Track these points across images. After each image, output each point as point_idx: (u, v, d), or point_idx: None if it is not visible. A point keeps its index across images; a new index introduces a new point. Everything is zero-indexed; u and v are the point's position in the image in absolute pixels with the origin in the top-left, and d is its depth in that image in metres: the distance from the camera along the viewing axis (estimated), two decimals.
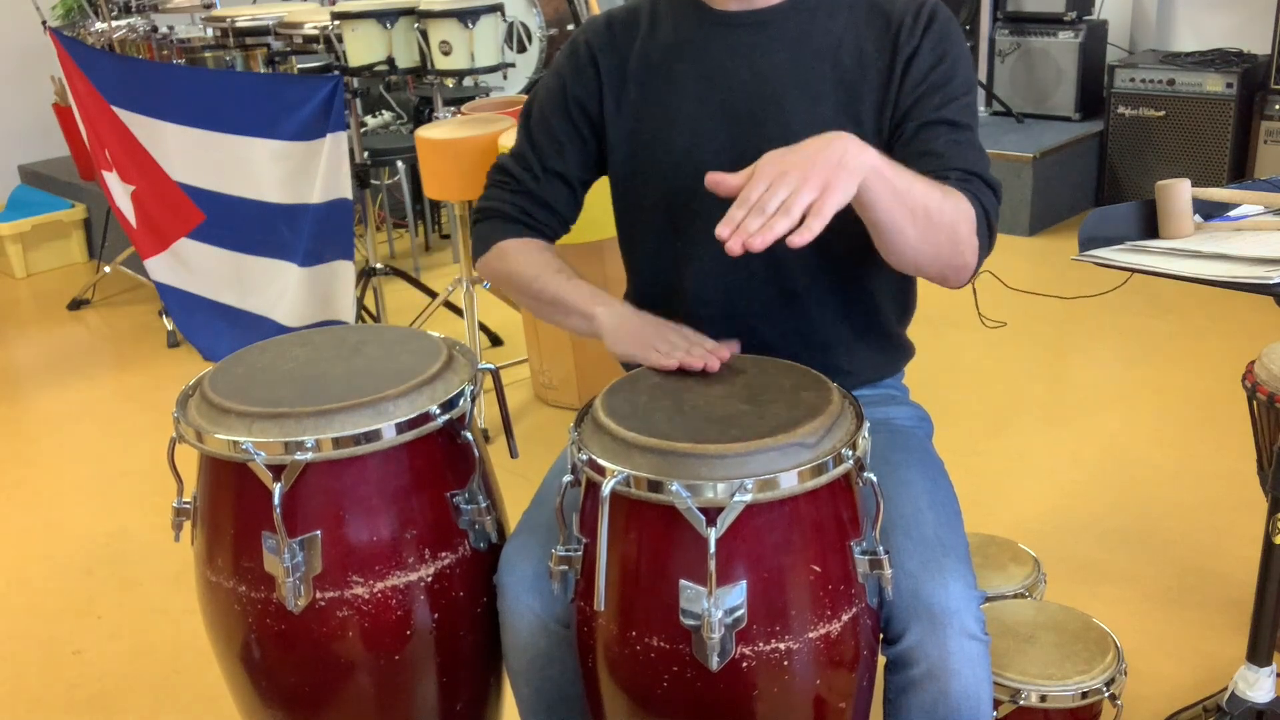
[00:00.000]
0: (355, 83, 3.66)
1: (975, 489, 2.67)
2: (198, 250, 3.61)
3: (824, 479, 1.20)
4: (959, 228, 1.31)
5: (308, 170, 3.19)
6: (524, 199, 1.56)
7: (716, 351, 1.39)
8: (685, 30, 1.51)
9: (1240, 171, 4.30)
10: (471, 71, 3.49)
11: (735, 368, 1.39)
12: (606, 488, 1.20)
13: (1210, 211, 1.62)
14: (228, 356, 1.49)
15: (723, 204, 1.48)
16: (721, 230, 1.17)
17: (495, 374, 1.54)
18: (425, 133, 3.17)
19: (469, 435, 1.41)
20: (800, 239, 1.14)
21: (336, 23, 3.52)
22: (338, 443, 1.31)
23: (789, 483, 1.18)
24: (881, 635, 1.33)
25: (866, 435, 1.26)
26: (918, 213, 1.26)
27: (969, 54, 1.49)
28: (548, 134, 1.56)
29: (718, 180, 1.24)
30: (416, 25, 3.48)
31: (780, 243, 1.48)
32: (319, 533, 1.33)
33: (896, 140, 1.43)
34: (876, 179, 1.21)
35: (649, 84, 1.51)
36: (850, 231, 1.48)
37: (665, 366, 1.38)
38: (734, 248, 1.15)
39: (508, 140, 2.97)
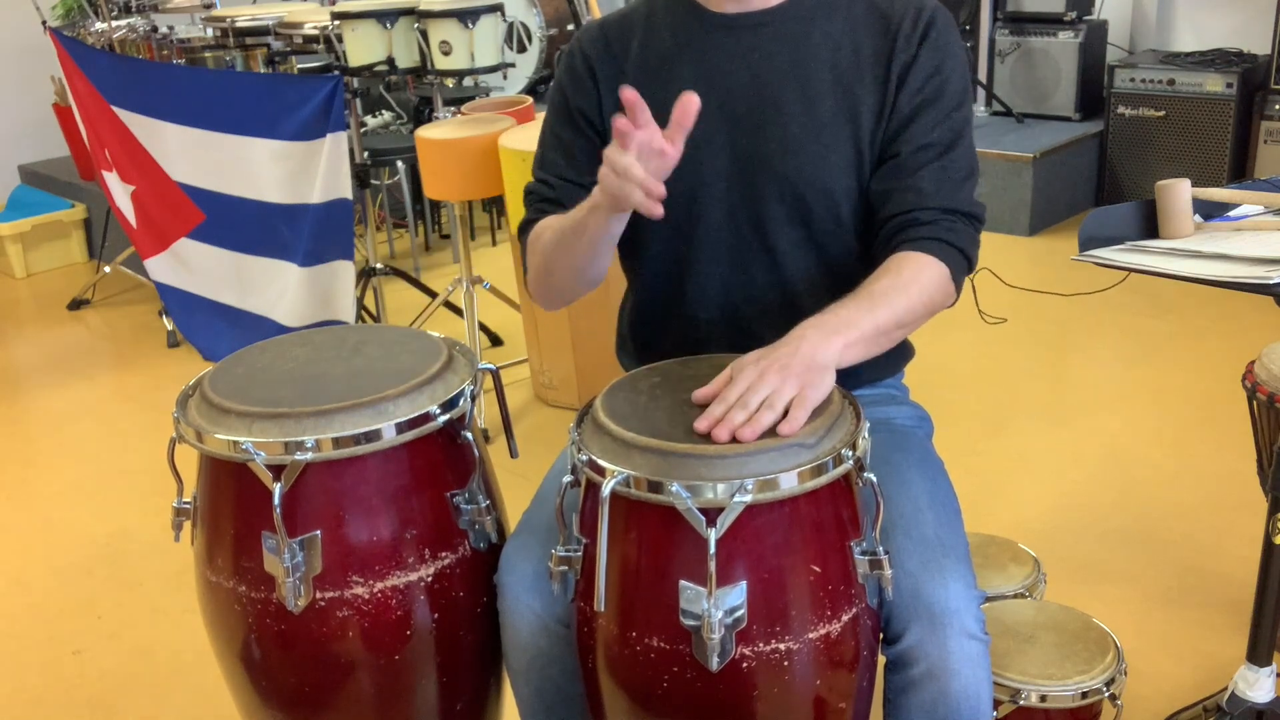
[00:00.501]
0: (355, 83, 3.66)
1: (975, 489, 2.67)
2: (198, 250, 3.61)
3: (824, 479, 1.20)
4: (932, 300, 1.38)
5: (308, 170, 3.20)
6: (551, 205, 1.54)
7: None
8: (683, 33, 1.51)
9: (1240, 171, 4.30)
10: (471, 71, 3.49)
11: None
12: (606, 488, 1.20)
13: (1210, 211, 1.62)
14: (228, 356, 1.49)
15: (724, 205, 1.49)
16: (701, 425, 1.22)
17: (495, 374, 1.54)
18: (425, 133, 3.17)
19: (469, 435, 1.41)
20: (789, 428, 1.20)
21: (336, 23, 3.52)
22: (338, 443, 1.31)
23: (789, 483, 1.18)
24: (881, 635, 1.33)
25: (866, 435, 1.26)
26: (893, 330, 1.35)
27: (965, 61, 1.49)
28: (559, 146, 1.56)
29: (701, 394, 1.28)
30: (416, 25, 3.48)
31: (780, 243, 1.49)
32: (319, 533, 1.33)
33: (890, 156, 1.44)
34: (849, 352, 1.29)
35: (647, 87, 1.50)
36: (848, 233, 1.49)
37: (650, 184, 1.26)
38: (721, 435, 1.19)
39: (508, 140, 2.97)
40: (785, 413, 1.22)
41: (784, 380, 1.23)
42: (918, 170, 1.42)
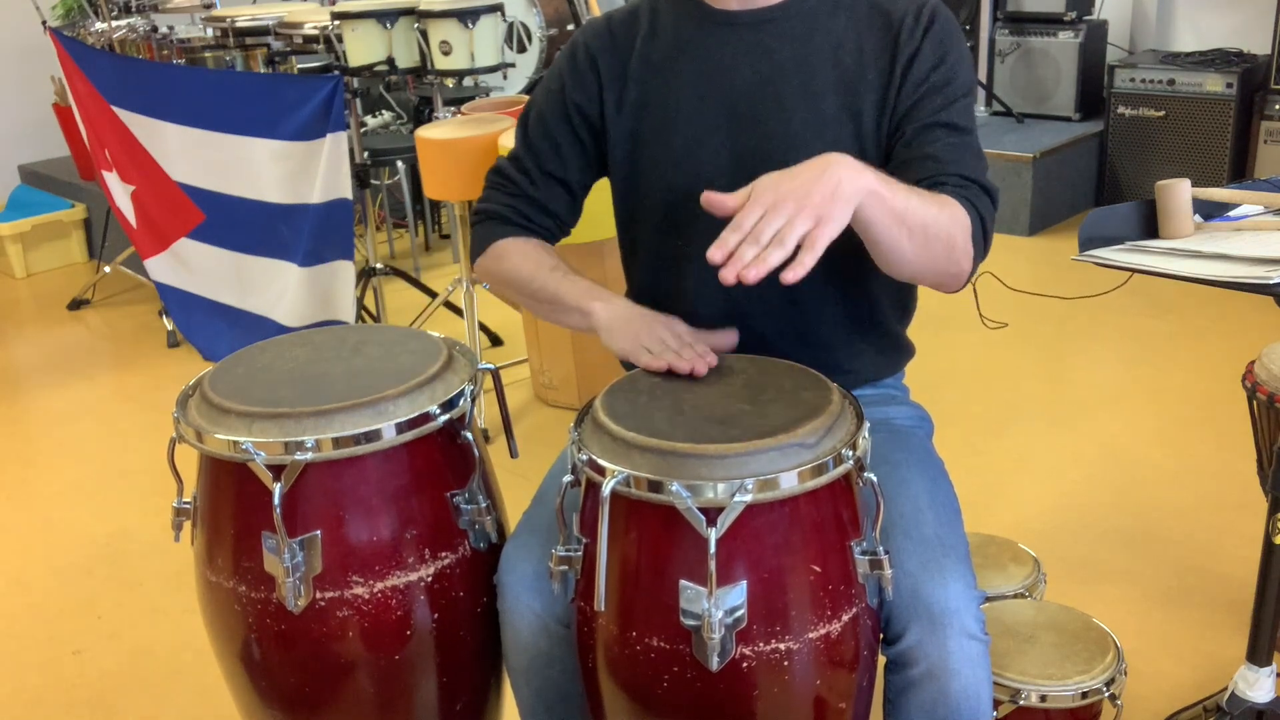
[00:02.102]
0: (355, 83, 3.66)
1: (975, 489, 2.67)
2: (198, 250, 3.61)
3: (824, 479, 1.20)
4: (955, 238, 1.31)
5: (308, 170, 3.20)
6: (521, 202, 1.56)
7: (705, 356, 1.38)
8: (686, 29, 1.51)
9: (1240, 171, 4.30)
10: (471, 71, 3.49)
11: (735, 368, 1.39)
12: (606, 488, 1.20)
13: (1210, 211, 1.62)
14: (228, 356, 1.49)
15: None
16: (714, 254, 1.17)
17: (495, 374, 1.54)
18: (425, 133, 3.17)
19: (469, 435, 1.41)
20: (793, 275, 1.15)
21: (336, 23, 3.52)
22: (338, 443, 1.31)
23: (789, 483, 1.18)
24: (881, 635, 1.33)
25: (867, 435, 1.26)
26: (915, 229, 1.27)
27: (969, 55, 1.49)
28: (546, 138, 1.56)
29: (713, 200, 1.24)
30: (416, 25, 3.48)
31: None
32: (319, 533, 1.33)
33: (897, 141, 1.43)
34: (873, 200, 1.22)
35: (650, 83, 1.51)
36: (849, 231, 1.48)
37: (653, 368, 1.38)
38: (728, 277, 1.16)
39: (508, 140, 2.97)
40: (796, 252, 1.16)
41: (800, 210, 1.16)
42: (932, 143, 1.40)
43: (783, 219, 1.17)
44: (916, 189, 1.30)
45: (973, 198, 1.36)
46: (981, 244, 1.37)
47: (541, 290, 1.51)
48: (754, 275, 1.15)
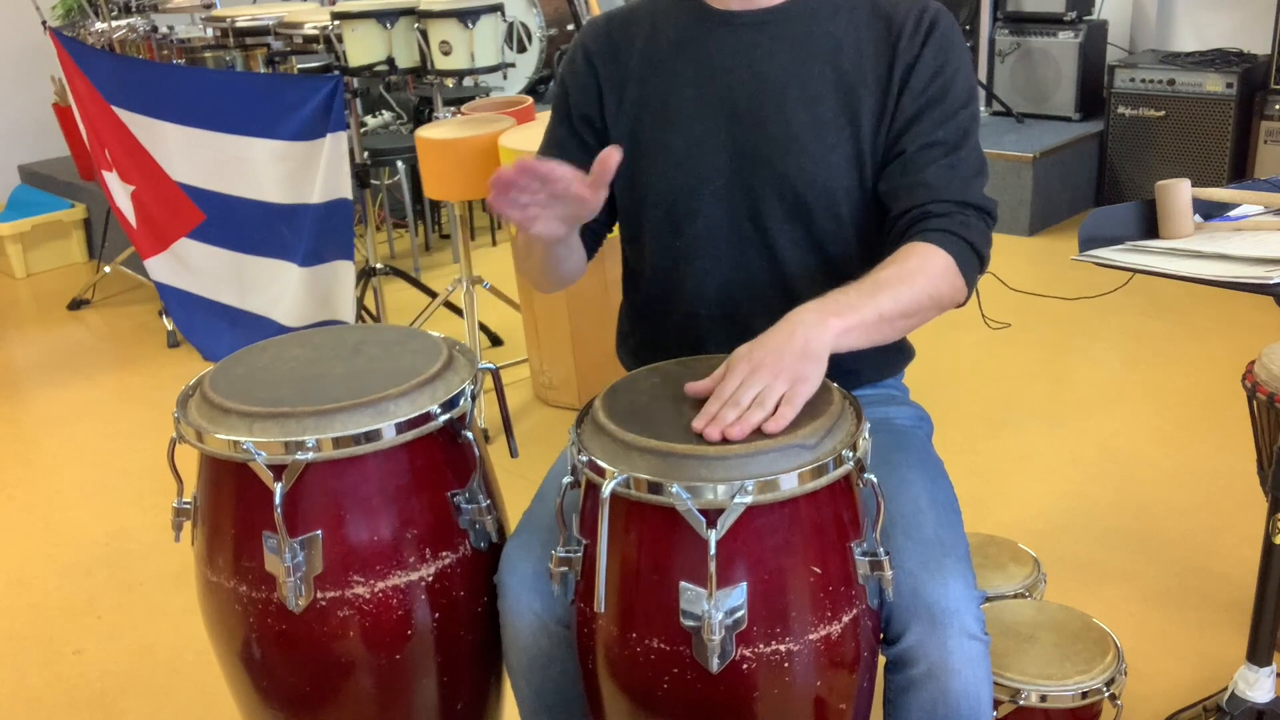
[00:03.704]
0: (355, 83, 3.66)
1: (975, 489, 2.67)
2: (198, 250, 3.61)
3: (824, 480, 1.20)
4: (940, 293, 1.36)
5: (308, 170, 3.19)
6: None
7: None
8: (686, 29, 1.51)
9: (1240, 171, 4.30)
10: (471, 71, 3.49)
11: None
12: (606, 489, 1.20)
13: (1210, 211, 1.62)
14: (228, 356, 1.49)
15: (723, 202, 1.49)
16: (698, 424, 1.23)
17: (495, 374, 1.54)
18: (425, 133, 3.17)
19: (469, 435, 1.41)
20: (775, 426, 1.21)
21: (336, 23, 3.52)
22: (338, 442, 1.30)
23: (789, 484, 1.18)
24: (882, 635, 1.33)
25: (867, 436, 1.26)
26: (896, 318, 1.33)
27: (970, 62, 1.49)
28: (554, 142, 1.58)
29: (693, 387, 1.30)
30: (416, 25, 3.48)
31: (779, 240, 1.49)
32: (320, 532, 1.33)
33: (894, 158, 1.44)
34: (846, 337, 1.28)
35: (650, 82, 1.52)
36: (848, 231, 1.49)
37: (521, 210, 1.30)
38: (712, 434, 1.21)
39: (508, 140, 2.97)
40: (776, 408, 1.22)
41: (776, 376, 1.23)
42: (925, 166, 1.41)
43: (761, 384, 1.24)
44: (881, 277, 1.33)
45: (958, 226, 1.38)
46: (976, 267, 1.40)
47: (520, 245, 1.47)
48: (738, 433, 1.20)
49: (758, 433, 1.21)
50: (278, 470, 1.30)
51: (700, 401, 1.30)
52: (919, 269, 1.34)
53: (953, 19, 1.47)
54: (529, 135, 2.99)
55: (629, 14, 1.56)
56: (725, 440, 1.20)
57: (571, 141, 1.55)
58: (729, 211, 1.49)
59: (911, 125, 1.43)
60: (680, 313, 1.55)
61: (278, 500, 1.29)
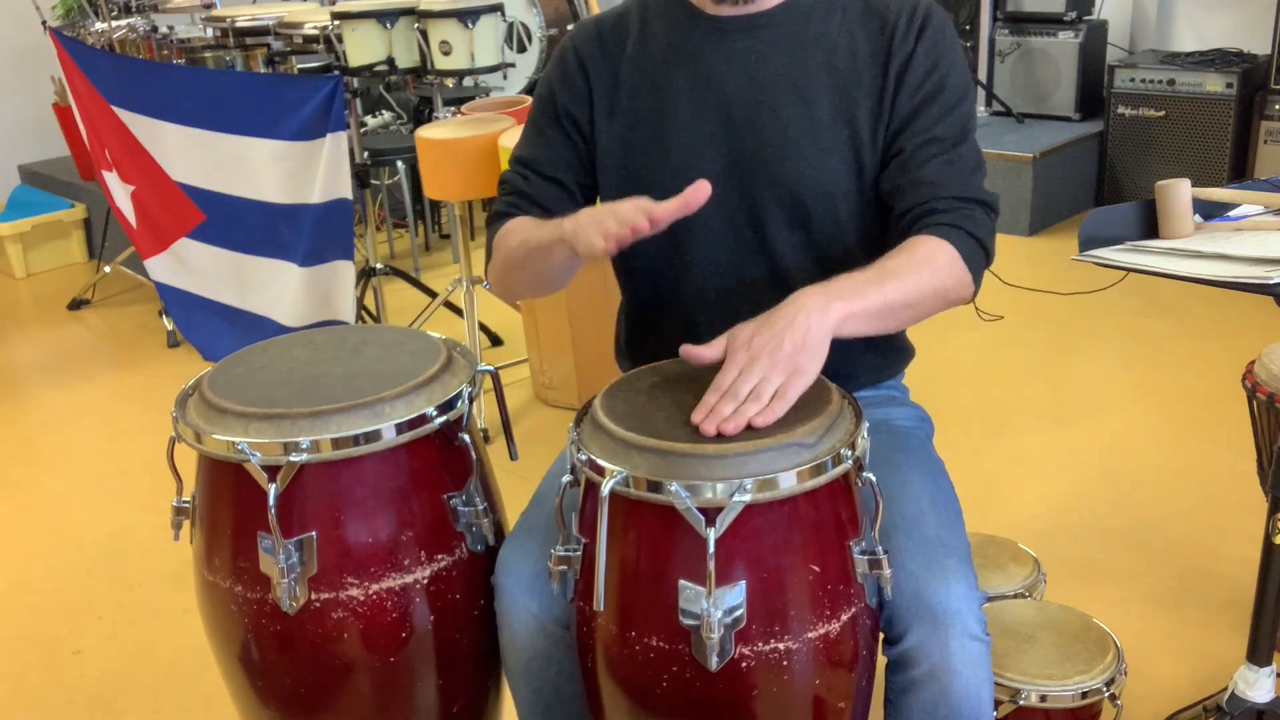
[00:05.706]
0: (355, 83, 3.66)
1: (975, 489, 2.66)
2: (198, 250, 3.61)
3: (823, 479, 1.20)
4: (944, 286, 1.35)
5: (308, 170, 3.19)
6: (522, 200, 1.55)
7: (655, 209, 1.27)
8: (677, 35, 1.50)
9: (1240, 171, 4.30)
10: (471, 71, 3.49)
11: None
12: (605, 488, 1.20)
13: (1210, 211, 1.61)
14: (227, 356, 1.49)
15: (721, 208, 1.48)
16: (696, 417, 1.24)
17: (495, 375, 1.54)
18: (425, 133, 3.17)
19: (466, 437, 1.41)
20: (764, 420, 1.22)
21: (336, 23, 3.52)
22: (334, 444, 1.30)
23: (788, 483, 1.18)
24: (883, 636, 1.33)
25: (865, 435, 1.26)
26: (900, 309, 1.32)
27: (964, 58, 1.48)
28: (541, 141, 1.55)
29: (691, 353, 1.29)
30: (416, 25, 3.48)
31: (778, 245, 1.49)
32: (315, 534, 1.33)
33: (894, 158, 1.44)
34: (850, 321, 1.27)
35: (642, 89, 1.50)
36: (847, 234, 1.48)
37: (610, 241, 1.27)
38: (708, 429, 1.22)
39: (507, 140, 2.97)
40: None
41: (773, 367, 1.23)
42: (926, 163, 1.41)
43: (758, 376, 1.23)
44: (889, 265, 1.32)
45: (964, 220, 1.38)
46: (981, 260, 1.39)
47: (528, 246, 1.44)
48: (732, 428, 1.21)
49: (757, 431, 1.21)
50: (272, 471, 1.30)
51: (698, 397, 1.30)
52: (926, 260, 1.34)
53: (945, 15, 1.47)
54: None
55: (618, 19, 1.55)
56: (721, 437, 1.20)
57: (564, 143, 1.54)
58: (727, 217, 1.48)
59: (909, 123, 1.43)
60: (679, 318, 1.55)
61: (272, 501, 1.29)
